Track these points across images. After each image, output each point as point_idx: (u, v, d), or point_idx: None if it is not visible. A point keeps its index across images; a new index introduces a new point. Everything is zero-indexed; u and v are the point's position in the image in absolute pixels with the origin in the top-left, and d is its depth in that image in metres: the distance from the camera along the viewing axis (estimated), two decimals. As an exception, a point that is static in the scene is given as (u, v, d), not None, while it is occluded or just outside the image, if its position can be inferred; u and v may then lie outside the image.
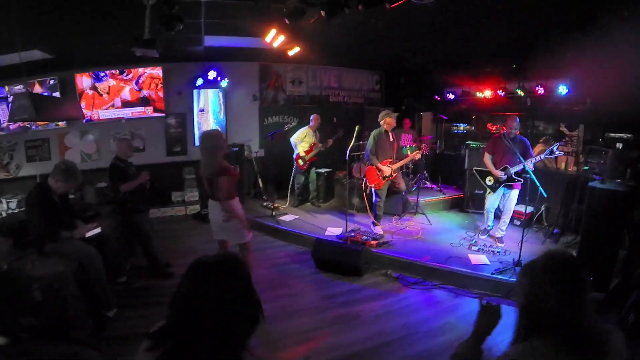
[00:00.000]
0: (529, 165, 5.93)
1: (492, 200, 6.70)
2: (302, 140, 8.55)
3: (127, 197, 5.39)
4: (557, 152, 6.00)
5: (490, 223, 6.90)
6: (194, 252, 6.38)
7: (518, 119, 6.40)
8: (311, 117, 8.68)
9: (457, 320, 4.78)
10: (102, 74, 8.25)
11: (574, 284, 1.59)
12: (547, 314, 1.58)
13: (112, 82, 8.38)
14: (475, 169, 6.93)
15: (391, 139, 7.01)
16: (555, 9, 5.27)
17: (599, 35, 5.62)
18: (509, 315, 1.92)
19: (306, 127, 8.66)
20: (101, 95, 8.34)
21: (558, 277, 1.60)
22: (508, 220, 6.72)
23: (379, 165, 6.89)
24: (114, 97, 8.48)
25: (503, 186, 6.45)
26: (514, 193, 6.49)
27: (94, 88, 8.24)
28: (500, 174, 6.36)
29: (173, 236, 7.47)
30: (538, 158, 6.11)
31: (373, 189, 7.12)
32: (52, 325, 3.64)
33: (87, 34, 6.12)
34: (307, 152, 8.53)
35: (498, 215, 6.82)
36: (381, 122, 6.94)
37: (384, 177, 6.95)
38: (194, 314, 1.48)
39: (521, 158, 5.94)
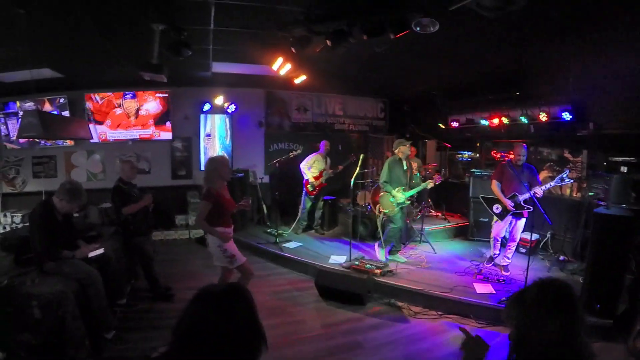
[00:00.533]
0: (539, 192, 5.93)
1: (499, 228, 6.64)
2: (311, 167, 8.59)
3: (130, 219, 5.40)
4: (567, 180, 5.93)
5: (496, 251, 6.82)
6: (194, 276, 6.39)
7: (525, 147, 6.40)
8: (321, 144, 8.73)
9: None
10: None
11: (568, 314, 1.58)
12: (542, 346, 1.57)
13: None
14: (482, 197, 6.88)
15: (405, 167, 7.05)
16: (557, 34, 5.36)
17: (601, 59, 5.72)
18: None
19: (316, 153, 8.70)
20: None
21: (551, 308, 1.60)
22: (514, 249, 6.67)
23: (394, 192, 6.91)
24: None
25: (511, 214, 6.41)
26: (522, 222, 6.45)
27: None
28: (510, 203, 6.33)
29: (175, 259, 7.44)
30: (548, 186, 6.05)
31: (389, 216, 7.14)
32: (49, 344, 3.63)
33: (97, 56, 6.27)
34: (316, 178, 8.55)
35: (504, 243, 6.77)
36: (396, 151, 7.01)
37: (397, 204, 6.94)
38: (197, 341, 1.47)
39: (527, 187, 5.94)
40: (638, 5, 4.21)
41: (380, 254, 7.13)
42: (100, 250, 4.80)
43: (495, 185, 6.56)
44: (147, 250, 5.61)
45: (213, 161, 4.71)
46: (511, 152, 6.65)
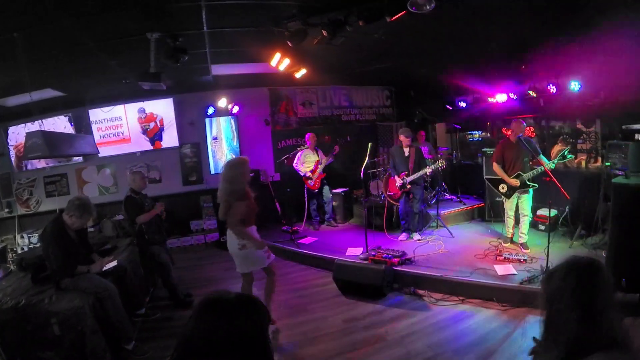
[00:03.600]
0: (547, 167, 5.87)
1: (509, 206, 6.64)
2: (304, 162, 8.61)
3: (144, 229, 5.41)
4: (568, 157, 5.96)
5: (511, 230, 6.76)
6: (214, 281, 6.40)
7: (524, 122, 6.36)
8: (306, 137, 8.78)
9: (486, 335, 4.59)
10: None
11: (597, 290, 1.53)
12: (569, 325, 1.53)
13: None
14: (487, 178, 6.86)
15: (406, 154, 7.23)
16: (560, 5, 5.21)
17: (607, 25, 5.55)
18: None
19: (303, 149, 8.75)
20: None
21: (579, 285, 1.55)
22: (528, 224, 6.58)
23: (395, 177, 7.31)
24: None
25: (516, 192, 6.41)
26: (528, 195, 6.44)
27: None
28: (516, 182, 6.31)
29: (193, 265, 7.49)
30: (553, 162, 6.02)
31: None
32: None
33: (97, 71, 6.29)
34: (313, 172, 8.54)
35: (517, 221, 6.70)
36: (400, 140, 7.30)
37: (400, 188, 7.20)
38: (203, 353, 1.40)
39: (543, 158, 6.00)
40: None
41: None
42: (114, 263, 4.82)
43: (497, 167, 6.55)
44: (164, 258, 5.61)
45: (236, 163, 4.63)
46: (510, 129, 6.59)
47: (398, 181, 7.27)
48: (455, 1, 4.70)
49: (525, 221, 6.53)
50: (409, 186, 7.21)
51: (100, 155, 8.16)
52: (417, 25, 5.31)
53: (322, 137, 8.95)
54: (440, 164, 7.02)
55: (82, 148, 5.75)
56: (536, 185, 6.21)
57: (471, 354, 4.25)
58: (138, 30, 4.59)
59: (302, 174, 8.63)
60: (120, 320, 4.38)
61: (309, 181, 8.59)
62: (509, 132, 6.62)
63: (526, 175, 6.24)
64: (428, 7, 4.27)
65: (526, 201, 6.47)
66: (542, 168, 5.86)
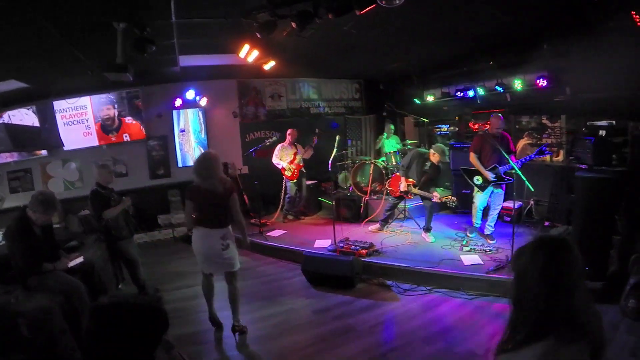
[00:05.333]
0: (518, 164, 5.99)
1: (481, 199, 6.72)
2: (281, 157, 8.60)
3: (111, 224, 5.29)
4: (546, 152, 6.11)
5: (478, 221, 6.91)
6: (182, 275, 6.34)
7: (502, 117, 6.48)
8: (287, 132, 8.74)
9: (455, 323, 4.72)
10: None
11: (565, 267, 1.55)
12: (539, 305, 1.54)
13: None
14: (462, 168, 6.92)
15: (426, 167, 7.08)
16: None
17: (576, 25, 5.72)
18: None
19: (281, 144, 8.72)
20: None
21: (548, 261, 1.57)
22: (496, 217, 6.74)
23: (404, 180, 7.14)
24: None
25: (491, 185, 6.49)
26: (500, 190, 6.57)
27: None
28: (490, 175, 6.41)
29: (161, 261, 7.37)
30: (527, 158, 6.18)
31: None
32: (41, 361, 3.55)
33: (62, 62, 6.07)
34: (291, 162, 8.53)
35: (485, 213, 6.85)
36: (430, 152, 7.02)
37: (403, 192, 7.17)
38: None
39: (511, 158, 6.05)
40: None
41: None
42: (80, 259, 4.73)
43: (473, 157, 6.61)
44: (132, 253, 5.50)
45: (210, 158, 4.49)
46: (488, 123, 6.70)
47: (403, 185, 7.14)
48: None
49: (494, 214, 6.70)
50: (410, 196, 7.25)
51: (65, 148, 7.95)
52: (387, 18, 5.33)
53: (314, 135, 8.91)
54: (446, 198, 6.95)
55: (47, 141, 5.58)
56: (512, 179, 6.25)
57: (440, 342, 4.37)
58: (105, 20, 4.46)
59: (280, 166, 8.59)
60: (88, 317, 4.29)
61: (287, 172, 8.56)
62: (489, 126, 6.69)
63: (502, 168, 6.35)
64: (398, 2, 4.30)
65: (499, 196, 6.62)
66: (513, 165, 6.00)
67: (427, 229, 7.13)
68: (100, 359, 1.45)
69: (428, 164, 7.03)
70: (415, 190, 7.04)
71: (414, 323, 4.82)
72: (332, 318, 5.03)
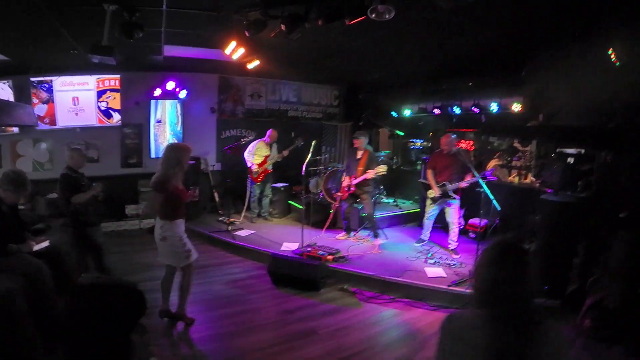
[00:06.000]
0: (462, 184, 6.51)
1: (431, 212, 7.10)
2: (254, 154, 8.57)
3: (79, 210, 5.14)
4: (489, 178, 6.37)
5: (428, 233, 7.28)
6: (148, 267, 6.25)
7: (453, 136, 6.85)
8: (268, 132, 8.73)
9: (416, 332, 4.84)
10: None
11: (509, 262, 1.75)
12: (487, 287, 1.76)
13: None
14: (421, 181, 7.28)
15: (357, 157, 7.30)
16: (512, 28, 5.52)
17: (555, 55, 5.92)
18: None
19: (260, 140, 8.71)
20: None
21: (497, 256, 1.79)
22: (457, 232, 7.01)
23: (345, 177, 7.50)
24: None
25: (440, 199, 6.85)
26: (454, 206, 6.87)
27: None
28: (437, 192, 6.78)
29: (127, 251, 7.25)
30: (472, 180, 6.44)
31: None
32: (2, 344, 3.43)
33: (45, 38, 5.93)
34: (260, 165, 8.52)
35: (446, 229, 7.20)
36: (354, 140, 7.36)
37: (347, 189, 7.33)
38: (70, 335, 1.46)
39: (475, 172, 6.30)
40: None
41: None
42: (46, 243, 4.59)
43: (430, 174, 6.99)
44: (99, 241, 5.37)
45: (174, 148, 4.54)
46: (462, 141, 6.92)
47: (345, 181, 7.42)
48: (415, 10, 4.85)
49: (454, 229, 6.95)
50: (353, 188, 7.33)
51: (38, 128, 7.73)
52: (373, 28, 5.41)
53: (299, 140, 8.92)
54: (380, 171, 7.09)
55: (20, 118, 5.40)
56: (457, 199, 6.77)
57: (401, 349, 4.49)
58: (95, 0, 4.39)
59: (249, 165, 8.56)
60: (51, 304, 4.16)
61: (254, 173, 8.53)
62: (443, 144, 7.00)
63: (450, 186, 6.65)
64: (388, 16, 4.39)
65: (453, 211, 6.89)
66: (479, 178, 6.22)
67: (376, 235, 7.41)
68: (77, 339, 1.44)
69: (359, 153, 7.31)
70: (356, 181, 7.24)
71: (376, 329, 4.92)
72: (294, 320, 5.07)
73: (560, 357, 1.71)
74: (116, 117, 8.66)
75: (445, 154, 6.86)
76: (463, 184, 6.55)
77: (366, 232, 7.89)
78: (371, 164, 7.18)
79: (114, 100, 8.57)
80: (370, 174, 7.06)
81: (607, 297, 4.81)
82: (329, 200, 8.43)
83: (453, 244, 6.98)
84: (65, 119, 8.22)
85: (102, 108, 8.44)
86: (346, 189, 7.41)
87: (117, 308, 1.50)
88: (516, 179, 8.07)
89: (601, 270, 5.18)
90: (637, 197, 5.47)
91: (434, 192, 6.86)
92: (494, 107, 7.81)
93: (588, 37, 4.93)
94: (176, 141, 9.28)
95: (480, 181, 6.06)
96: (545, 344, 1.67)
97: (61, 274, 4.55)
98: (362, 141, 7.27)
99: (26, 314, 3.71)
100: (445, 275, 6.00)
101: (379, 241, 7.36)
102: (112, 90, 8.50)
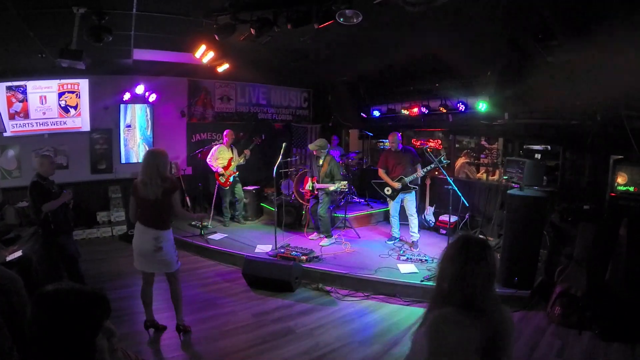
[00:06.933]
0: (420, 174, 6.94)
1: (393, 208, 7.36)
2: (217, 158, 8.53)
3: (50, 218, 5.05)
4: (444, 162, 6.75)
5: (396, 229, 7.52)
6: (121, 275, 6.19)
7: (399, 135, 7.30)
8: (224, 134, 8.72)
9: (391, 327, 4.97)
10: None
11: (467, 258, 1.82)
12: (453, 282, 1.83)
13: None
14: (374, 182, 7.53)
15: (319, 163, 7.49)
16: (477, 32, 5.71)
17: (518, 57, 6.14)
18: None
19: (219, 144, 8.68)
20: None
21: (457, 251, 1.87)
22: (416, 223, 7.27)
23: (307, 178, 7.79)
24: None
25: (400, 193, 7.13)
26: (411, 196, 7.16)
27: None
28: (397, 185, 7.05)
29: (101, 259, 7.11)
30: (429, 167, 6.87)
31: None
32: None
33: (12, 40, 5.76)
34: (225, 168, 8.50)
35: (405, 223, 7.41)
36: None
37: (310, 190, 7.59)
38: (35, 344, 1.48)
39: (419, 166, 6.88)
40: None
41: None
42: (19, 253, 4.51)
43: (382, 172, 7.32)
44: (71, 249, 5.28)
45: (156, 154, 4.43)
46: (430, 140, 7.16)
47: (309, 184, 7.63)
48: (381, 18, 4.97)
49: (412, 221, 7.20)
50: (316, 192, 7.54)
51: (4, 134, 7.55)
52: (343, 34, 5.50)
53: (237, 134, 8.92)
54: (341, 186, 7.22)
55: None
56: (417, 187, 7.12)
57: (377, 344, 4.58)
58: (65, 3, 4.33)
59: (214, 169, 8.54)
60: (25, 314, 4.09)
61: (221, 177, 8.52)
62: (390, 143, 7.37)
63: (408, 179, 6.98)
64: (355, 20, 4.50)
65: (411, 202, 7.19)
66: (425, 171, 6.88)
67: (324, 232, 7.59)
68: (42, 347, 1.46)
69: (320, 161, 7.49)
70: (319, 186, 7.43)
71: (352, 326, 5.00)
72: (271, 321, 5.10)
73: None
74: (72, 112, 8.43)
75: (393, 152, 7.27)
76: (419, 174, 6.96)
77: (338, 231, 8.03)
78: (333, 170, 7.34)
79: (71, 100, 8.35)
80: (332, 187, 7.24)
81: (574, 285, 5.07)
82: (301, 201, 8.49)
83: (414, 236, 7.25)
84: (35, 115, 8.02)
85: (62, 105, 8.26)
86: (309, 191, 7.64)
87: (79, 313, 1.52)
88: (484, 176, 8.32)
89: (567, 260, 5.44)
90: (599, 191, 5.74)
91: (390, 189, 7.18)
92: (460, 107, 8.01)
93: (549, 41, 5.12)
94: (146, 146, 9.19)
95: (427, 170, 6.72)
96: (508, 328, 1.81)
97: (34, 284, 4.48)
98: (318, 152, 7.48)
99: (1, 325, 3.66)
100: (417, 270, 6.14)
101: (326, 240, 7.51)
102: (69, 92, 8.31)
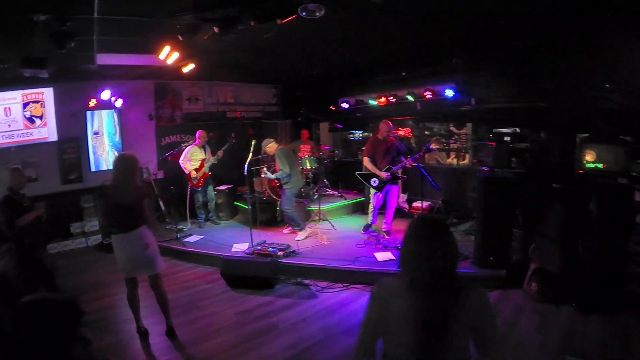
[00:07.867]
0: (408, 162, 6.80)
1: (378, 199, 7.28)
2: (190, 160, 8.50)
3: (24, 232, 4.96)
4: (432, 149, 6.78)
5: (374, 219, 7.50)
6: (99, 285, 6.12)
7: (390, 124, 7.18)
8: (196, 134, 8.69)
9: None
10: None
11: (427, 235, 1.90)
12: (409, 257, 1.92)
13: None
14: (358, 173, 7.44)
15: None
16: (442, 22, 5.80)
17: (484, 43, 6.26)
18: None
19: (192, 145, 8.66)
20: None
21: (417, 229, 1.95)
22: (392, 213, 7.36)
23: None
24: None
25: (387, 184, 7.08)
26: (396, 188, 7.20)
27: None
28: (386, 175, 6.96)
29: (77, 271, 6.97)
30: (417, 155, 6.82)
31: None
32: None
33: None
34: (198, 170, 8.49)
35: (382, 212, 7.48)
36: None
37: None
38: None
39: (403, 158, 6.89)
40: None
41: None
42: (-6, 270, 4.42)
43: (367, 161, 7.19)
44: (46, 262, 5.22)
45: (126, 159, 4.44)
46: (399, 129, 7.21)
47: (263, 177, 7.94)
48: (345, 9, 5.01)
49: (391, 212, 7.33)
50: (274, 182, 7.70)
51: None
52: (308, 28, 5.52)
53: (209, 134, 8.87)
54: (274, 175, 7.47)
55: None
56: (406, 177, 7.15)
57: (359, 333, 4.65)
58: (25, 10, 4.23)
59: (187, 172, 8.51)
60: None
61: (193, 179, 8.49)
62: (379, 131, 7.28)
63: (395, 168, 6.94)
64: (318, 14, 4.54)
65: (395, 192, 7.22)
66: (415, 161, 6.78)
67: (295, 226, 7.72)
68: (18, 355, 1.46)
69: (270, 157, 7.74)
70: (268, 174, 7.67)
71: (334, 318, 5.08)
72: (253, 318, 5.14)
73: (481, 317, 1.88)
74: (38, 122, 8.24)
75: (381, 140, 7.15)
76: (409, 163, 6.82)
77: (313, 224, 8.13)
78: (280, 161, 7.36)
79: (36, 110, 8.15)
80: (271, 176, 7.53)
81: (548, 261, 5.24)
82: (275, 197, 8.52)
83: (386, 225, 7.36)
84: (0, 128, 7.83)
85: (27, 116, 8.07)
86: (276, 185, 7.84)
87: (49, 322, 1.52)
88: (454, 161, 8.48)
89: (540, 238, 5.62)
90: (568, 170, 5.93)
91: (378, 179, 7.07)
92: (428, 94, 8.14)
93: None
94: (116, 152, 9.04)
95: (416, 158, 6.66)
96: (465, 307, 1.83)
97: (10, 300, 4.40)
98: (267, 149, 7.56)
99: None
100: (394, 258, 6.25)
101: (301, 234, 7.58)
102: (34, 102, 8.12)
